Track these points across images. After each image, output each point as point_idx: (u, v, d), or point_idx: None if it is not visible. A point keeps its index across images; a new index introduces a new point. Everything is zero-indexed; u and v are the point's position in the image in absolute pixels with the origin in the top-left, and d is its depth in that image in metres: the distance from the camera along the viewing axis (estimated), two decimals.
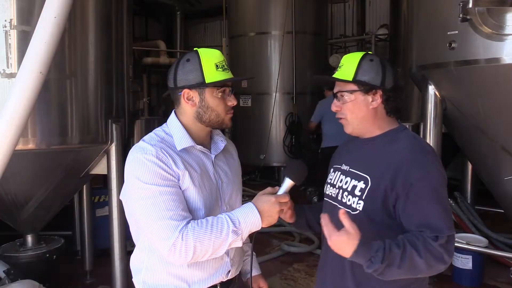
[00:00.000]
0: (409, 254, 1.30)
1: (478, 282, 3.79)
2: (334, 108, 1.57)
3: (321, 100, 6.03)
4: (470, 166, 4.65)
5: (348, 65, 1.52)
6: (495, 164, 3.50)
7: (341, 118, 1.57)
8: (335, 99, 1.57)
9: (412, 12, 3.87)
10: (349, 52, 1.76)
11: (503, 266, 3.98)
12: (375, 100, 1.51)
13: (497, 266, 4.05)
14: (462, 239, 3.67)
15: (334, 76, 1.55)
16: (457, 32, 3.05)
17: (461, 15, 2.83)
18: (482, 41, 2.91)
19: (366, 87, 1.49)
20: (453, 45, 3.07)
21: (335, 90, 1.57)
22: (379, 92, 1.50)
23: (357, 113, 1.52)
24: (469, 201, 4.54)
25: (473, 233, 4.00)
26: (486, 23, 2.80)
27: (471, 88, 3.21)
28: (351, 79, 1.50)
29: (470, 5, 2.73)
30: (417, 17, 3.73)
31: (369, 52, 1.57)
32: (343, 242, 1.30)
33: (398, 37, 4.59)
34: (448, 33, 3.10)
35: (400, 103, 1.57)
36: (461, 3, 2.80)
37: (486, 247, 3.73)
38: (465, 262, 3.73)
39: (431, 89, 3.49)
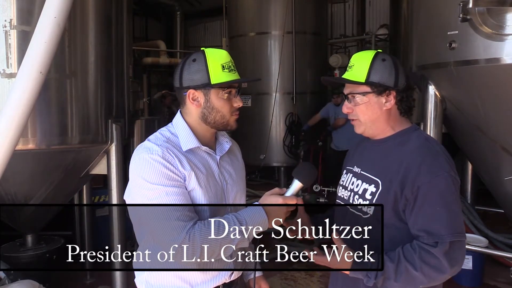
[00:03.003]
0: (404, 267, 1.30)
1: (478, 282, 3.79)
2: (345, 110, 1.52)
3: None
4: (470, 166, 4.64)
5: (359, 65, 1.46)
6: (495, 164, 3.50)
7: (353, 120, 1.52)
8: (346, 100, 1.52)
9: (412, 12, 3.86)
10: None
11: (503, 266, 3.97)
12: (389, 101, 1.47)
13: (497, 266, 4.05)
14: None
15: (344, 76, 1.50)
16: (457, 32, 3.04)
17: (461, 15, 2.83)
18: (482, 41, 2.90)
19: (379, 89, 1.44)
20: (453, 45, 3.06)
21: (346, 92, 1.51)
22: (393, 93, 1.46)
23: (371, 115, 1.48)
24: (469, 201, 4.54)
25: (473, 233, 4.00)
26: (486, 23, 2.80)
27: (471, 88, 3.21)
28: (363, 81, 1.44)
29: (470, 5, 2.73)
30: (417, 17, 3.72)
31: (379, 51, 1.50)
32: (339, 263, 1.33)
33: (398, 37, 4.57)
34: (448, 33, 3.09)
35: (413, 103, 1.53)
36: (461, 3, 2.80)
37: (486, 247, 3.72)
38: (465, 262, 3.71)
39: (431, 89, 3.48)
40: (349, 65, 1.51)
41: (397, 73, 1.45)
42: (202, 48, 1.47)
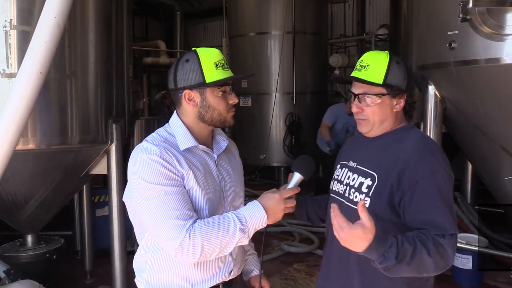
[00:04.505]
0: (419, 252, 1.26)
1: (478, 282, 3.79)
2: (355, 109, 1.53)
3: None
4: (470, 166, 4.64)
5: (376, 66, 1.47)
6: (495, 164, 3.50)
7: (360, 119, 1.53)
8: (355, 99, 1.52)
9: (412, 12, 3.86)
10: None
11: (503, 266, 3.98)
12: (399, 104, 1.51)
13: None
14: (462, 239, 3.67)
15: (358, 76, 1.50)
16: (457, 32, 3.04)
17: (461, 15, 2.83)
18: (482, 41, 2.90)
19: (395, 92, 1.47)
20: (453, 45, 3.07)
21: (358, 91, 1.51)
22: (404, 96, 1.50)
23: (382, 116, 1.50)
24: (469, 201, 4.54)
25: (473, 233, 4.00)
26: (486, 23, 2.80)
27: (471, 88, 3.21)
28: (381, 82, 1.46)
29: (470, 5, 2.73)
30: (417, 17, 3.73)
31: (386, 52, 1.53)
32: (357, 236, 1.20)
33: (398, 37, 4.58)
34: (448, 33, 3.10)
35: (414, 105, 1.58)
36: (461, 3, 2.80)
37: (486, 247, 3.73)
38: (465, 262, 3.73)
39: (431, 89, 3.49)
40: (361, 64, 1.51)
41: (408, 77, 1.49)
42: (193, 48, 1.48)
